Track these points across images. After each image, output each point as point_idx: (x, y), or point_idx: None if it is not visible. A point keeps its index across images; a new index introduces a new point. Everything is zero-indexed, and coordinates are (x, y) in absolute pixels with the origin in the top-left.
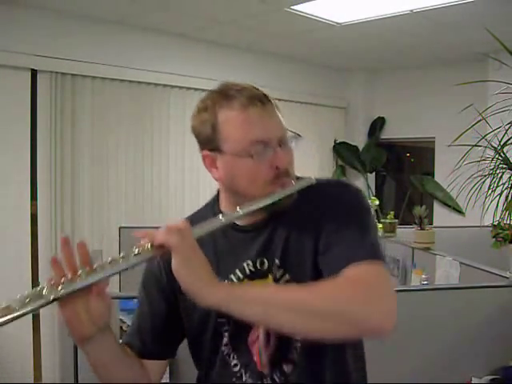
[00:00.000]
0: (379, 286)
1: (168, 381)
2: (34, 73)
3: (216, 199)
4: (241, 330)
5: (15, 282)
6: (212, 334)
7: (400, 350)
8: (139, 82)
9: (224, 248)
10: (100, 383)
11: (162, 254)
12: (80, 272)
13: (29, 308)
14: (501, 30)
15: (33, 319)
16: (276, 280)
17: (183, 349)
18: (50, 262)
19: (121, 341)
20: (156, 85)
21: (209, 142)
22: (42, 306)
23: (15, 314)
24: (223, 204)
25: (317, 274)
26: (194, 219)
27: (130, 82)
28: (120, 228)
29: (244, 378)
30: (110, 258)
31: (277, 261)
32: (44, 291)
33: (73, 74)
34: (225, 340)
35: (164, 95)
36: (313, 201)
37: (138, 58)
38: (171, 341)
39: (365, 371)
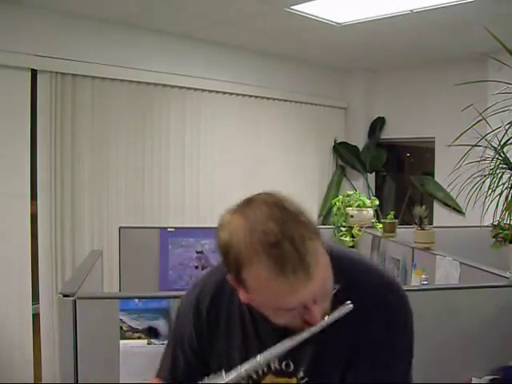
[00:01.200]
0: None
1: None
2: (34, 73)
3: None
4: None
5: (15, 282)
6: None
7: None
8: (139, 82)
9: (251, 334)
10: (101, 383)
11: None
12: None
13: None
14: (501, 30)
15: (33, 319)
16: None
17: None
18: None
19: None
20: (156, 85)
21: (234, 276)
22: None
23: None
24: None
25: None
26: (219, 287)
27: (130, 82)
28: (120, 228)
29: None
30: None
31: (302, 371)
32: None
33: (73, 74)
34: None
35: (164, 95)
36: (353, 320)
37: (138, 57)
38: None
39: None
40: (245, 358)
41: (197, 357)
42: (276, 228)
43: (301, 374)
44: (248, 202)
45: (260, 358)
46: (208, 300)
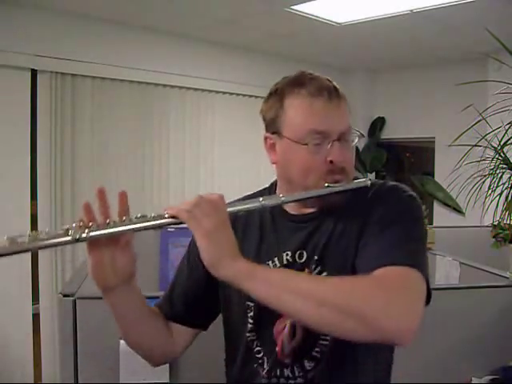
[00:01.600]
0: (406, 289)
1: (168, 381)
2: (34, 73)
3: (274, 183)
4: (266, 317)
5: (15, 282)
6: (239, 316)
7: (400, 350)
8: (139, 82)
9: (269, 232)
10: (101, 383)
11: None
12: (109, 220)
13: (51, 241)
14: (501, 30)
15: (33, 319)
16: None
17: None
18: (82, 207)
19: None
20: (156, 85)
21: (272, 125)
22: (64, 244)
23: (41, 243)
24: (278, 190)
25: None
26: (253, 196)
27: (130, 81)
28: None
29: (265, 365)
30: (139, 214)
31: (316, 257)
32: (70, 231)
33: (73, 74)
34: (249, 326)
35: (164, 95)
36: (363, 201)
37: (138, 57)
38: (201, 310)
39: None
40: (259, 252)
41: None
42: (317, 74)
43: (314, 262)
44: None
45: (261, 198)
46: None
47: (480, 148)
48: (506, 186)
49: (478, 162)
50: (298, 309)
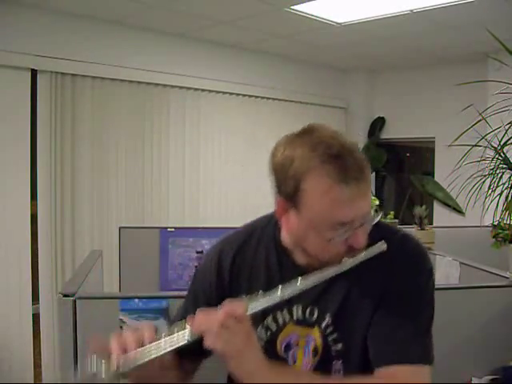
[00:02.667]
0: None
1: None
2: (34, 73)
3: (275, 225)
4: (270, 352)
5: (15, 282)
6: None
7: None
8: (139, 82)
9: (277, 281)
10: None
11: None
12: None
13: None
14: (501, 30)
15: (33, 319)
16: (323, 334)
17: None
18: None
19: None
20: (156, 85)
21: (287, 196)
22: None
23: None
24: (285, 241)
25: (366, 345)
26: (256, 235)
27: (130, 82)
28: (120, 228)
29: None
30: (163, 334)
31: (328, 317)
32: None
33: (73, 74)
34: None
35: (164, 95)
36: (381, 266)
37: (138, 58)
38: None
39: None
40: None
41: (211, 294)
42: (339, 143)
43: (326, 321)
44: (306, 129)
45: (279, 291)
46: (231, 254)
47: (480, 148)
48: (506, 185)
49: (478, 161)
50: None
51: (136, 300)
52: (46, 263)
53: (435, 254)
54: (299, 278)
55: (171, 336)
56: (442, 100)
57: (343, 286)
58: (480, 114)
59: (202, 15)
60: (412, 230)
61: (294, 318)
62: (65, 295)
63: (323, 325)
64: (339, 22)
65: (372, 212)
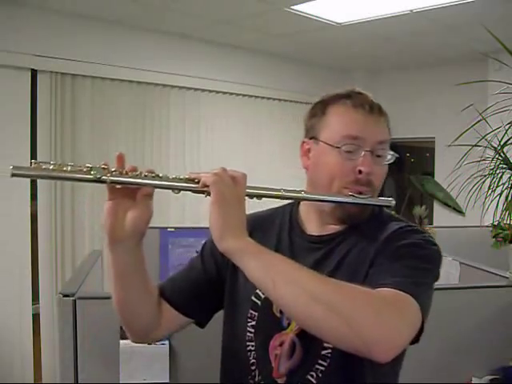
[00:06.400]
0: (400, 312)
1: (168, 381)
2: (34, 73)
3: (293, 205)
4: (266, 329)
5: (15, 282)
6: (239, 323)
7: None
8: (139, 82)
9: (285, 251)
10: (101, 383)
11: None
12: (132, 171)
13: (74, 175)
14: (501, 30)
15: (33, 319)
16: None
17: (183, 347)
18: (116, 157)
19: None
20: (156, 85)
21: (311, 130)
22: (85, 181)
23: (64, 175)
24: (302, 213)
25: None
26: (276, 213)
27: (130, 82)
28: None
29: (256, 379)
30: (160, 174)
31: (326, 273)
32: (93, 171)
33: (73, 74)
34: (248, 335)
35: (164, 95)
36: (383, 232)
37: (138, 57)
38: (199, 303)
39: None
40: None
41: (215, 265)
42: (360, 91)
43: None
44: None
45: (282, 190)
46: (251, 221)
47: (480, 148)
48: (506, 186)
49: (478, 161)
50: (290, 299)
51: None
52: (46, 263)
53: None
54: (302, 191)
55: (171, 177)
56: (442, 100)
57: (343, 248)
58: (480, 114)
59: (202, 15)
60: None
61: None
62: (65, 295)
63: None
64: (339, 21)
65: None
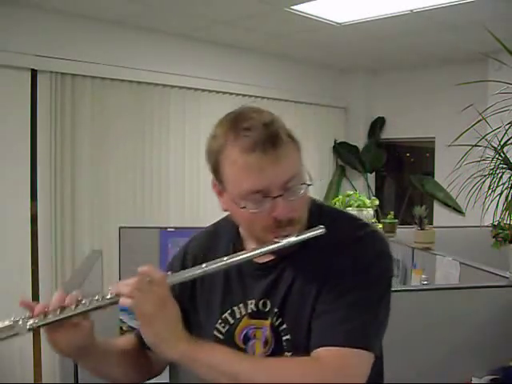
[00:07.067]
0: (344, 376)
1: (168, 381)
2: (33, 73)
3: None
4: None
5: (15, 282)
6: None
7: (399, 350)
8: (139, 82)
9: (234, 278)
10: (101, 383)
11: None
12: (48, 311)
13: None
14: (501, 30)
15: None
16: (273, 327)
17: None
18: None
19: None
20: (156, 85)
21: (215, 173)
22: (7, 338)
23: None
24: (241, 229)
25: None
26: (219, 230)
27: (130, 82)
28: (120, 228)
29: None
30: (96, 297)
31: (276, 309)
32: (19, 322)
33: (73, 74)
34: None
35: (164, 95)
36: (324, 248)
37: (138, 58)
38: None
39: None
40: (224, 298)
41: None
42: (256, 117)
43: (274, 312)
44: (235, 110)
45: (205, 265)
46: (196, 248)
47: (480, 148)
48: (506, 186)
49: (478, 161)
50: None
51: None
52: (46, 263)
53: (435, 254)
54: (225, 258)
55: (93, 298)
56: (442, 100)
57: (288, 277)
58: (480, 114)
59: (202, 15)
60: (412, 230)
61: (249, 310)
62: None
63: (273, 316)
64: (339, 21)
65: (305, 185)
